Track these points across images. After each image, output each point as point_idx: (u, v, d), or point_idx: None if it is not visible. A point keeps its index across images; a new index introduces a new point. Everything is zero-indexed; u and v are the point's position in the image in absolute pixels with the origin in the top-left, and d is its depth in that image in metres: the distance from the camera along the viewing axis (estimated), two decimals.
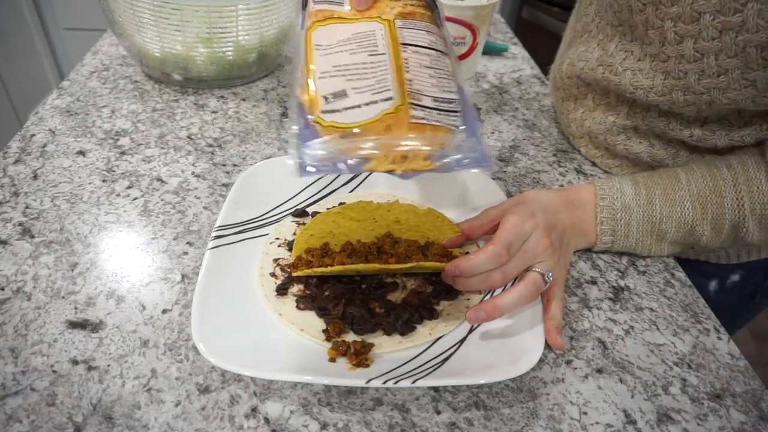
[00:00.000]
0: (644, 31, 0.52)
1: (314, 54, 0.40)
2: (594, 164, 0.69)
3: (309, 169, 0.37)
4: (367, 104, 0.38)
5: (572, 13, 0.76)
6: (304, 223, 0.54)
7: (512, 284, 0.46)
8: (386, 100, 0.38)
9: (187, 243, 0.52)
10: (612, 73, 0.58)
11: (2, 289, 0.46)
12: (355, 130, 0.37)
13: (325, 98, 0.38)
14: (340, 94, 0.38)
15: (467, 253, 0.48)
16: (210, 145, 0.66)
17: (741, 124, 0.53)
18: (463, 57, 0.83)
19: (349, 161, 0.37)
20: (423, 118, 0.38)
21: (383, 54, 0.40)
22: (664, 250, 0.54)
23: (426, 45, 0.41)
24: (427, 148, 0.37)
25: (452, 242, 0.50)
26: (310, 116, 0.38)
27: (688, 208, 0.51)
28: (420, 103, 0.38)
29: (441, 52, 0.42)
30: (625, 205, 0.53)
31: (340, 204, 0.54)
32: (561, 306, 0.46)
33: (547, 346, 0.45)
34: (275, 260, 0.49)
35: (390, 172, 0.37)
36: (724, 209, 0.50)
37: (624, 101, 0.61)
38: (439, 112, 0.38)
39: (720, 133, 0.54)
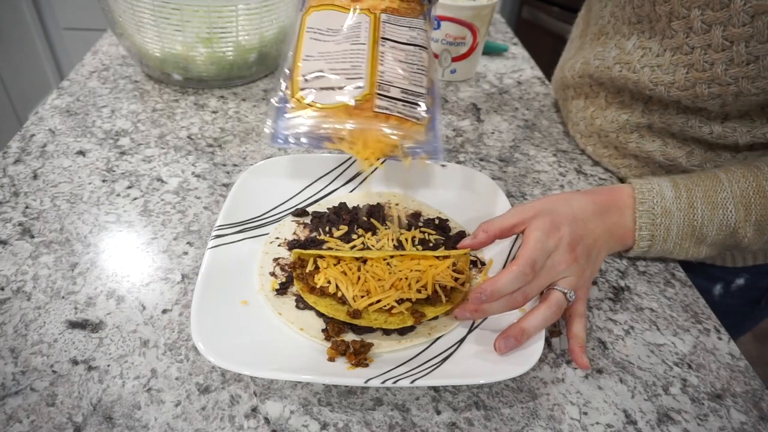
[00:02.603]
0: (667, 23, 0.51)
1: (304, 36, 0.44)
2: (595, 164, 0.69)
3: (279, 140, 0.42)
4: (340, 88, 0.42)
5: (578, 17, 0.76)
6: (304, 223, 0.54)
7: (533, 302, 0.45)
8: (357, 88, 0.42)
9: (188, 243, 0.52)
10: (630, 71, 0.57)
11: (2, 289, 0.46)
12: (325, 112, 0.41)
13: (305, 78, 0.43)
14: (319, 76, 0.43)
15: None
16: (210, 145, 0.66)
17: (764, 120, 0.53)
18: (463, 57, 0.83)
19: (318, 139, 0.42)
20: (386, 108, 0.42)
21: (363, 44, 0.43)
22: (701, 252, 0.52)
23: (405, 41, 0.44)
24: (392, 135, 0.41)
25: (474, 243, 0.48)
26: (288, 91, 0.43)
27: (731, 211, 0.49)
28: (387, 94, 0.42)
29: (420, 46, 0.45)
30: (665, 209, 0.50)
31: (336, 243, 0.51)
32: (583, 323, 0.45)
33: (547, 345, 0.45)
34: (275, 260, 0.49)
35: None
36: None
37: (639, 99, 0.60)
38: (404, 104, 0.42)
39: (741, 130, 0.53)
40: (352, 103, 0.41)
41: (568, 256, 0.45)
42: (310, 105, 0.42)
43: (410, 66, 0.43)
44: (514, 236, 0.50)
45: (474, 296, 0.42)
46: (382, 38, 0.44)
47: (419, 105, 0.43)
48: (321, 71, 0.43)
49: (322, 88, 0.42)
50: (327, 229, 0.52)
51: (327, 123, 0.42)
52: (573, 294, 0.44)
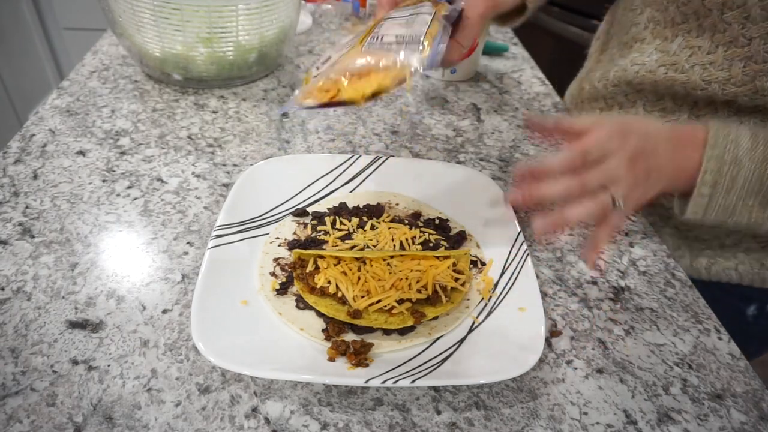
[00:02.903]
0: (719, 16, 0.49)
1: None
2: None
3: (284, 109, 0.45)
4: (337, 53, 0.45)
5: (600, 29, 0.75)
6: (304, 223, 0.54)
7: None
8: (347, 44, 0.46)
9: (188, 243, 0.52)
10: (678, 72, 0.55)
11: (2, 289, 0.46)
12: (324, 75, 0.43)
13: (317, 68, 0.46)
14: (326, 60, 0.46)
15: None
16: (210, 145, 0.66)
17: None
18: (463, 57, 0.83)
19: (321, 106, 0.42)
20: (373, 45, 0.43)
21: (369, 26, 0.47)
22: (765, 219, 0.48)
23: (407, 14, 0.46)
24: (384, 65, 0.41)
25: (541, 121, 0.48)
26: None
27: None
28: (378, 40, 0.43)
29: (424, 14, 0.45)
30: (735, 158, 0.46)
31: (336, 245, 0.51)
32: (611, 234, 0.44)
33: (548, 345, 0.45)
34: (275, 260, 0.49)
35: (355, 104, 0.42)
36: None
37: (685, 103, 0.57)
38: (398, 45, 0.42)
39: None
40: (341, 57, 0.44)
41: (627, 164, 0.43)
42: (315, 77, 0.44)
43: (409, 21, 0.44)
44: (514, 237, 0.50)
45: (517, 171, 0.42)
46: (385, 18, 0.47)
47: (416, 44, 0.42)
48: (329, 55, 0.46)
49: (323, 63, 0.46)
50: (332, 219, 0.53)
51: (323, 76, 0.43)
52: (621, 203, 0.42)
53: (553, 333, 0.46)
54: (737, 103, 0.52)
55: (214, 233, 0.48)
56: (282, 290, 0.46)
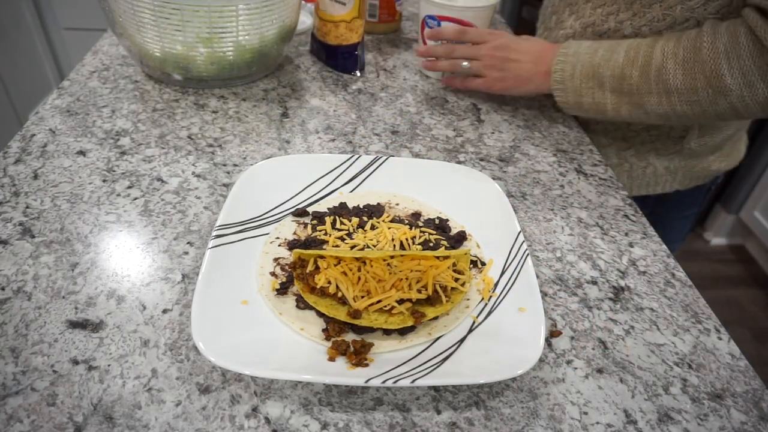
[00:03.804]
0: None
1: None
2: (594, 165, 0.69)
3: None
4: None
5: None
6: (304, 223, 0.54)
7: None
8: None
9: (188, 243, 0.52)
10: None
11: (3, 289, 0.46)
12: None
13: None
14: None
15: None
16: (210, 145, 0.66)
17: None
18: None
19: None
20: None
21: None
22: (606, 99, 0.66)
23: None
24: None
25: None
26: None
27: (621, 55, 0.63)
28: None
29: None
30: (577, 52, 0.67)
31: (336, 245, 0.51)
32: (452, 63, 0.78)
33: (548, 345, 0.45)
34: (275, 259, 0.49)
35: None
36: (652, 55, 0.61)
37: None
38: None
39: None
40: None
41: (490, 50, 0.73)
42: None
43: None
44: (514, 237, 0.50)
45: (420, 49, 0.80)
46: None
47: None
48: None
49: None
50: (332, 219, 0.53)
51: None
52: (466, 64, 0.76)
53: (553, 333, 0.46)
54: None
55: (215, 233, 0.48)
56: (282, 290, 0.46)
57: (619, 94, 0.64)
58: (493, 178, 0.63)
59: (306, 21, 0.97)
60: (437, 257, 0.47)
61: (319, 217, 0.54)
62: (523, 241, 0.50)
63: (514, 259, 0.49)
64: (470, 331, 0.44)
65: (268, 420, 0.38)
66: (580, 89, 0.67)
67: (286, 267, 0.49)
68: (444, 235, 0.53)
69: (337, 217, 0.53)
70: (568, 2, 0.76)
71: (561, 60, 0.68)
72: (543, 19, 0.87)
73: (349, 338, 0.43)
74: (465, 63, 0.76)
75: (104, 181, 0.59)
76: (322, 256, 0.47)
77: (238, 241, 0.49)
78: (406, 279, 0.45)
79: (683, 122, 0.71)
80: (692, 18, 0.66)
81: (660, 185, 0.82)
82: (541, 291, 0.46)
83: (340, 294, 0.44)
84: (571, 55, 0.67)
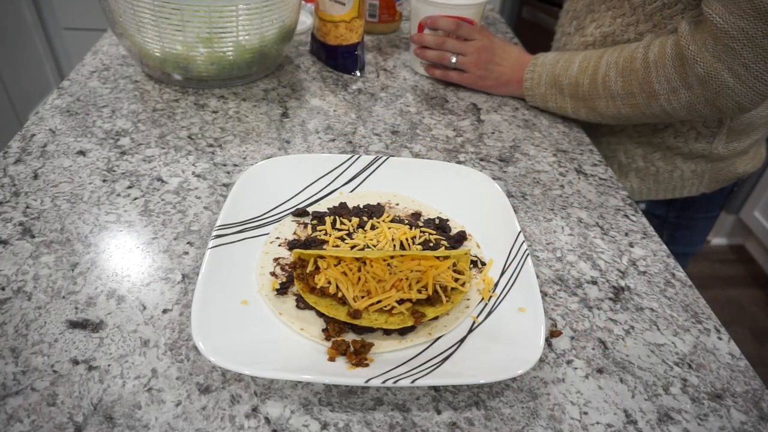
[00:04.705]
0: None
1: None
2: (594, 165, 0.69)
3: None
4: None
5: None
6: (304, 223, 0.54)
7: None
8: None
9: (188, 243, 0.52)
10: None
11: (3, 289, 0.46)
12: None
13: None
14: None
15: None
16: (210, 145, 0.66)
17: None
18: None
19: None
20: None
21: None
22: (567, 104, 0.74)
23: None
24: None
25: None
26: None
27: (576, 65, 0.72)
28: None
29: None
30: (543, 63, 0.76)
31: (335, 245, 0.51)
32: (439, 54, 0.81)
33: (548, 345, 0.45)
34: (275, 259, 0.49)
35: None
36: (599, 65, 0.70)
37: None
38: None
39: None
40: None
41: (477, 49, 0.79)
42: None
43: None
44: (514, 237, 0.50)
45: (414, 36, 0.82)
46: None
47: None
48: None
49: None
50: (332, 219, 0.53)
51: None
52: (455, 59, 0.80)
53: (553, 333, 0.46)
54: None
55: (215, 233, 0.48)
56: (282, 290, 0.46)
57: (576, 99, 0.73)
58: (493, 178, 0.63)
59: (306, 21, 0.97)
60: (437, 257, 0.47)
61: (319, 217, 0.54)
62: (523, 241, 0.50)
63: (514, 259, 0.49)
64: (470, 331, 0.44)
65: (268, 420, 0.38)
66: (545, 95, 0.76)
67: (286, 267, 0.49)
68: (444, 235, 0.53)
69: (337, 217, 0.53)
70: (590, 9, 0.78)
71: (531, 70, 0.76)
72: (562, 23, 0.89)
73: (349, 338, 0.43)
74: (453, 59, 0.79)
75: (104, 181, 0.59)
76: (322, 256, 0.47)
77: (238, 241, 0.49)
78: (406, 279, 0.45)
79: (632, 122, 0.76)
80: None
81: (687, 188, 0.83)
82: (541, 291, 0.46)
83: (340, 294, 0.44)
84: (539, 65, 0.76)
